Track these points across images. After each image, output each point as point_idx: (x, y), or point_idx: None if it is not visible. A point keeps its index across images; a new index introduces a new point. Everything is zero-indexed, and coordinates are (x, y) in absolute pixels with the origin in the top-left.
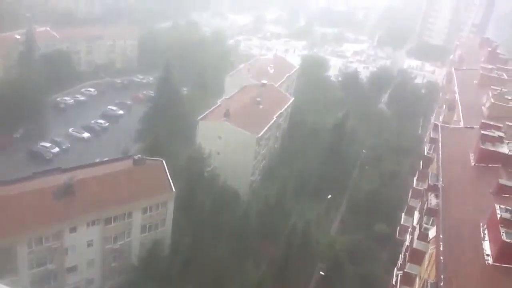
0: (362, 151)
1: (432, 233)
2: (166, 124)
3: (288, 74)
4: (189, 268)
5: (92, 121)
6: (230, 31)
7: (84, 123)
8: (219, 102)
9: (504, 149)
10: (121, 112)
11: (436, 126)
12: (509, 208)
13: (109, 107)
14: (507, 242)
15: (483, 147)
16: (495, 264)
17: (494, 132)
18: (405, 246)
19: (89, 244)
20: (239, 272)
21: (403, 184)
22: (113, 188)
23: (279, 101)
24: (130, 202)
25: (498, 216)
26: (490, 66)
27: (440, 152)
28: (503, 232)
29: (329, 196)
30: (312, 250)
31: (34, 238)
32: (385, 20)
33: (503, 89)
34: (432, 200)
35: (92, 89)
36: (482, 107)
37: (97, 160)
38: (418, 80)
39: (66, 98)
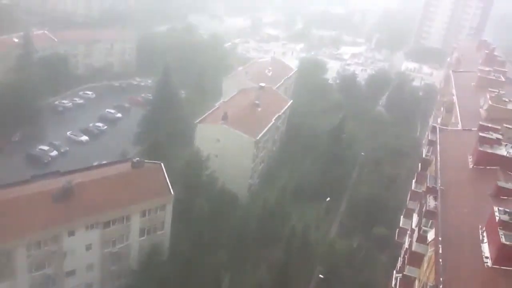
0: (361, 153)
1: (431, 235)
2: (165, 127)
3: (286, 77)
4: (188, 272)
5: (91, 124)
6: (228, 34)
7: (82, 126)
8: (217, 105)
9: (502, 151)
10: (119, 115)
11: (434, 128)
12: (507, 210)
13: (107, 110)
14: (506, 245)
15: (481, 149)
16: (494, 266)
17: (492, 134)
18: (404, 249)
19: (88, 247)
20: (239, 275)
21: (402, 187)
22: (112, 192)
23: (277, 103)
24: (129, 205)
25: (497, 218)
26: (487, 69)
27: (439, 154)
28: (502, 235)
29: (328, 199)
30: (311, 253)
31: (32, 242)
32: (383, 23)
33: (500, 91)
34: (431, 203)
35: (90, 92)
36: (480, 109)
37: (96, 163)
38: (416, 83)
39: (64, 101)
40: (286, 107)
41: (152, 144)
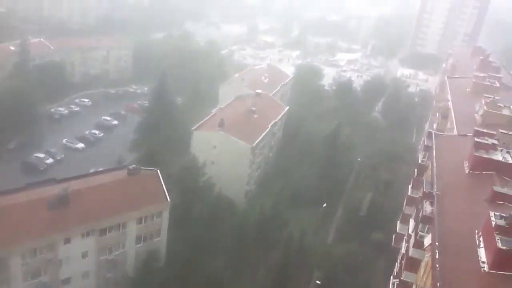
0: (357, 159)
1: (427, 241)
2: (161, 134)
3: (282, 84)
4: (185, 278)
5: (87, 132)
6: (224, 41)
7: (78, 134)
8: (213, 111)
9: (498, 156)
10: (115, 122)
11: (430, 134)
12: (504, 215)
13: (103, 117)
14: (503, 249)
15: (477, 154)
16: (490, 271)
17: (487, 140)
18: (401, 254)
19: (84, 255)
20: (236, 282)
21: (398, 192)
22: (108, 199)
23: (274, 110)
24: (125, 212)
25: (493, 223)
26: (482, 74)
27: (435, 160)
28: (498, 239)
29: (324, 205)
30: (308, 259)
31: (28, 250)
32: (378, 30)
33: (495, 97)
34: (427, 208)
35: (86, 100)
36: (475, 115)
37: (92, 171)
38: (412, 89)
39: (60, 108)
40: (283, 113)
41: (148, 151)
